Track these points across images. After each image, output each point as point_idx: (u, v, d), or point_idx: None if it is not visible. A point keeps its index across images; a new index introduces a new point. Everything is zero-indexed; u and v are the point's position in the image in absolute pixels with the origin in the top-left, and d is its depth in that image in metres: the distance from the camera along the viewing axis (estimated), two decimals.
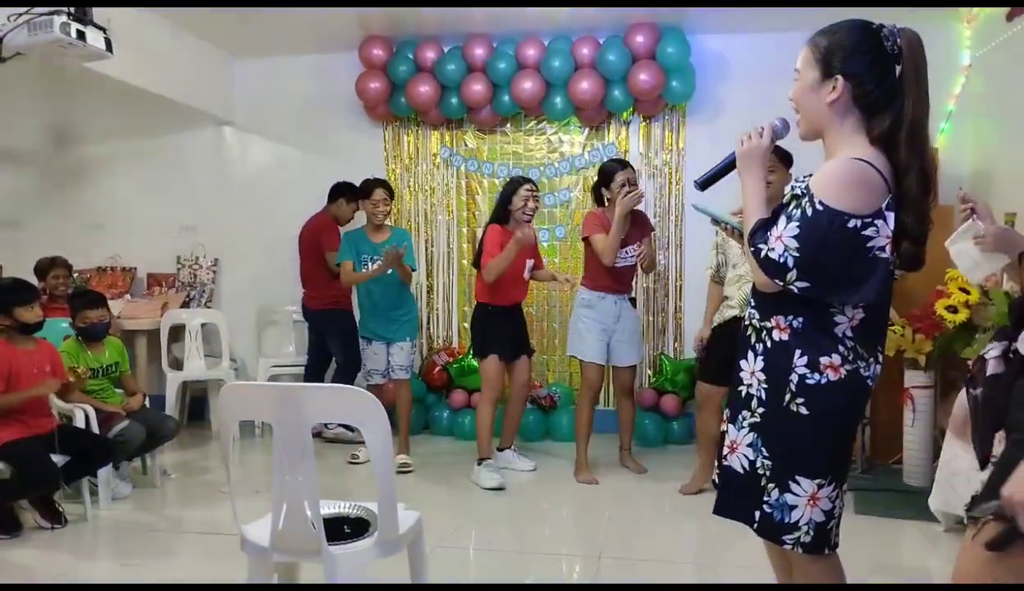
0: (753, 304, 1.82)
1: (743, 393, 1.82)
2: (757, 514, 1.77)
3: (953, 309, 3.77)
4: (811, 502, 1.72)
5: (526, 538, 3.61)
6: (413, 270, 4.67)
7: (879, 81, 1.65)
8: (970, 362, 1.79)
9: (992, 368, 1.61)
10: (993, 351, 1.63)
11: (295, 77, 5.80)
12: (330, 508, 2.28)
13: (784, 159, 3.72)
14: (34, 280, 4.51)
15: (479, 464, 4.23)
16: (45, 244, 5.39)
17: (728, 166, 1.92)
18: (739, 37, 5.22)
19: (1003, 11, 4.27)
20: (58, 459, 3.54)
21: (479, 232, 5.61)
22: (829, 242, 1.59)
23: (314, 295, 5.17)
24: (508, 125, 5.58)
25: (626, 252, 4.22)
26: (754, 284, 1.80)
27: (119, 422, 3.90)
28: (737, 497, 1.83)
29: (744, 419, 1.81)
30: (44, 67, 4.26)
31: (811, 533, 1.73)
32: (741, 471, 1.80)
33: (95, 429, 3.81)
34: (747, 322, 1.84)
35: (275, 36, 5.39)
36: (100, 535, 3.59)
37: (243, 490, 3.90)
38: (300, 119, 5.83)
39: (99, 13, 3.68)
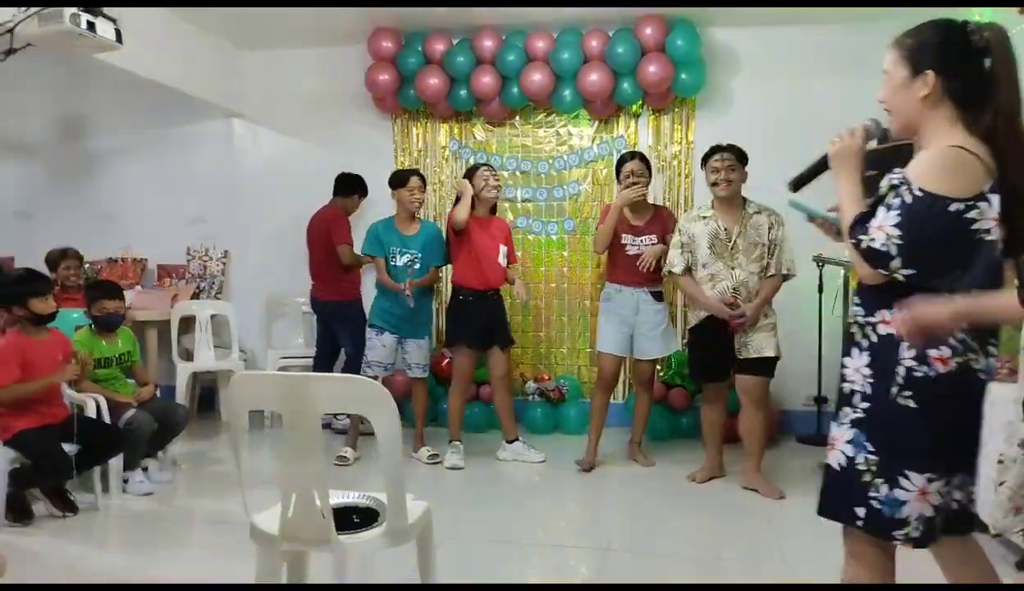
0: (857, 302, 1.82)
1: (846, 390, 1.81)
2: (861, 511, 1.73)
3: None
4: (921, 496, 1.69)
5: (534, 530, 3.61)
6: (443, 266, 4.67)
7: (969, 73, 1.68)
8: None
9: None
10: None
11: (304, 69, 5.81)
12: (339, 498, 2.29)
13: (741, 158, 3.89)
14: (45, 271, 4.54)
15: (448, 444, 4.44)
16: (56, 235, 5.43)
17: (819, 166, 1.95)
18: (749, 31, 5.20)
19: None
20: (70, 448, 3.56)
21: None
22: (931, 227, 1.60)
23: (323, 287, 5.17)
24: (517, 118, 5.57)
25: (637, 241, 4.24)
26: (857, 281, 1.82)
27: (128, 411, 3.93)
28: (834, 495, 1.80)
29: (845, 416, 1.79)
30: (55, 59, 4.27)
31: (920, 528, 1.70)
32: (838, 468, 1.78)
33: (106, 419, 3.84)
34: (851, 320, 1.84)
35: (284, 28, 5.39)
36: (111, 524, 3.62)
37: (253, 480, 3.92)
38: (309, 111, 5.84)
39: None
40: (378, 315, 4.54)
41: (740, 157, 3.89)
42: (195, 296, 5.85)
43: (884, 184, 1.73)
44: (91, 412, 3.81)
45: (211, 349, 5.51)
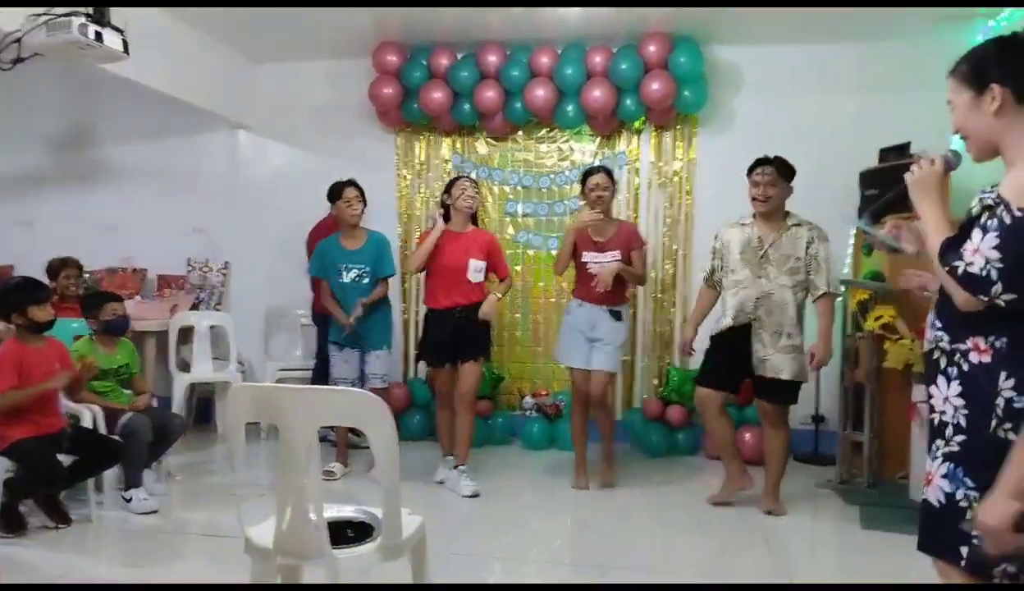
0: (940, 326, 1.73)
1: (935, 422, 1.73)
2: (964, 550, 1.63)
3: None
4: None
5: (529, 547, 3.59)
6: (390, 276, 4.54)
7: None
8: None
9: None
10: None
11: (309, 82, 5.84)
12: (334, 511, 2.27)
13: (784, 171, 3.83)
14: (45, 280, 4.54)
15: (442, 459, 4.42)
16: (57, 244, 5.42)
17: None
18: (752, 48, 5.22)
19: None
20: (65, 459, 3.55)
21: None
22: None
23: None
24: (520, 133, 5.59)
25: (599, 259, 4.20)
26: (938, 304, 1.75)
27: (124, 415, 3.91)
28: (937, 533, 1.71)
29: (938, 449, 1.71)
30: (62, 68, 4.29)
31: (1020, 564, 1.61)
32: (937, 504, 1.69)
33: (102, 430, 3.82)
34: (933, 345, 1.75)
35: (291, 40, 5.42)
36: (104, 536, 3.59)
37: (249, 493, 3.90)
38: (313, 124, 5.86)
39: (117, 14, 3.71)
40: (337, 331, 4.44)
41: (783, 170, 3.82)
42: (194, 307, 5.85)
43: (975, 205, 1.66)
44: (87, 422, 3.79)
45: (209, 360, 5.50)
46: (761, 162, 3.87)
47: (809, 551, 3.64)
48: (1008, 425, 1.59)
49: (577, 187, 5.43)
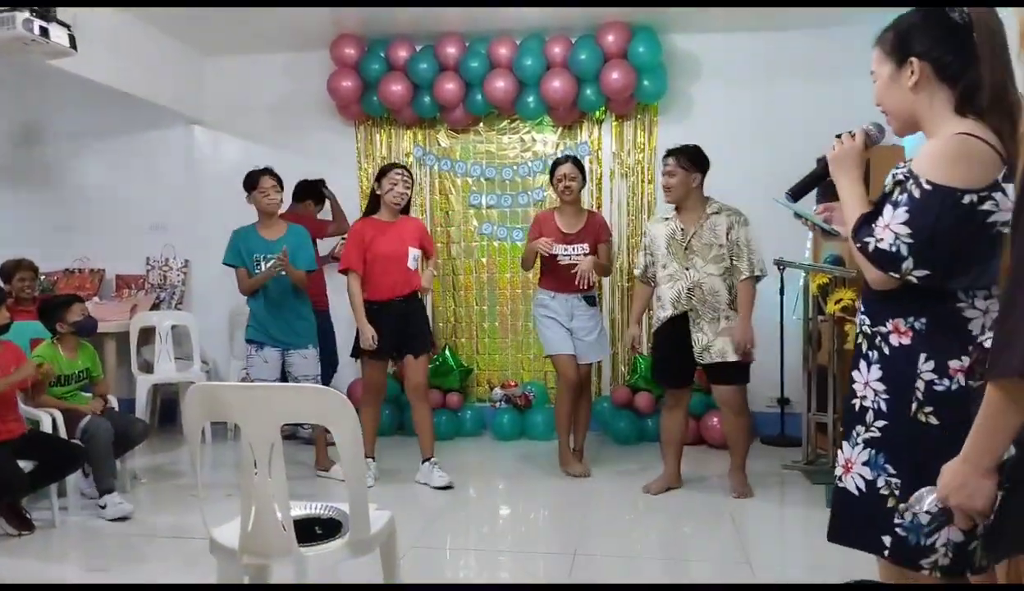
0: (863, 310, 1.69)
1: (856, 406, 1.67)
2: (887, 540, 1.58)
3: None
4: None
5: (500, 537, 3.61)
6: (310, 272, 4.28)
7: (956, 51, 1.55)
8: None
9: None
10: None
11: (266, 75, 5.75)
12: (301, 509, 2.26)
13: (693, 159, 3.83)
14: None
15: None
16: (10, 245, 5.29)
17: (817, 173, 1.88)
18: (710, 36, 5.26)
19: None
20: (25, 465, 3.47)
21: (453, 231, 5.62)
22: (944, 222, 1.48)
23: None
24: (481, 124, 5.58)
25: (569, 251, 4.23)
26: (864, 288, 1.69)
27: (83, 419, 3.84)
28: (857, 522, 1.66)
29: (858, 435, 1.65)
30: (10, 65, 4.18)
31: (950, 555, 1.53)
32: (856, 492, 1.64)
33: (63, 434, 3.74)
34: (858, 330, 1.72)
35: (246, 34, 5.34)
36: (68, 541, 3.53)
37: (215, 494, 3.86)
38: (271, 118, 5.78)
39: (64, 11, 3.62)
40: (255, 329, 4.19)
41: (692, 158, 3.83)
42: (155, 307, 5.74)
43: (888, 180, 1.63)
44: (47, 427, 3.71)
45: (172, 361, 5.41)
46: (667, 153, 3.90)
47: (777, 532, 3.70)
48: (929, 409, 1.55)
49: (541, 178, 5.48)
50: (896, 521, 1.57)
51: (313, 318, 4.35)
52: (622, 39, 5.06)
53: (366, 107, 5.50)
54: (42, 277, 5.39)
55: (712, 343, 3.80)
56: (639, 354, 4.24)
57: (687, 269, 3.83)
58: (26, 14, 3.37)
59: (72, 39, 3.62)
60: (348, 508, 2.09)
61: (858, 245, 1.59)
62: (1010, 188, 1.47)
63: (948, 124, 1.55)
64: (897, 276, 1.54)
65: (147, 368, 5.40)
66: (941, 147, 1.52)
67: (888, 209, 1.55)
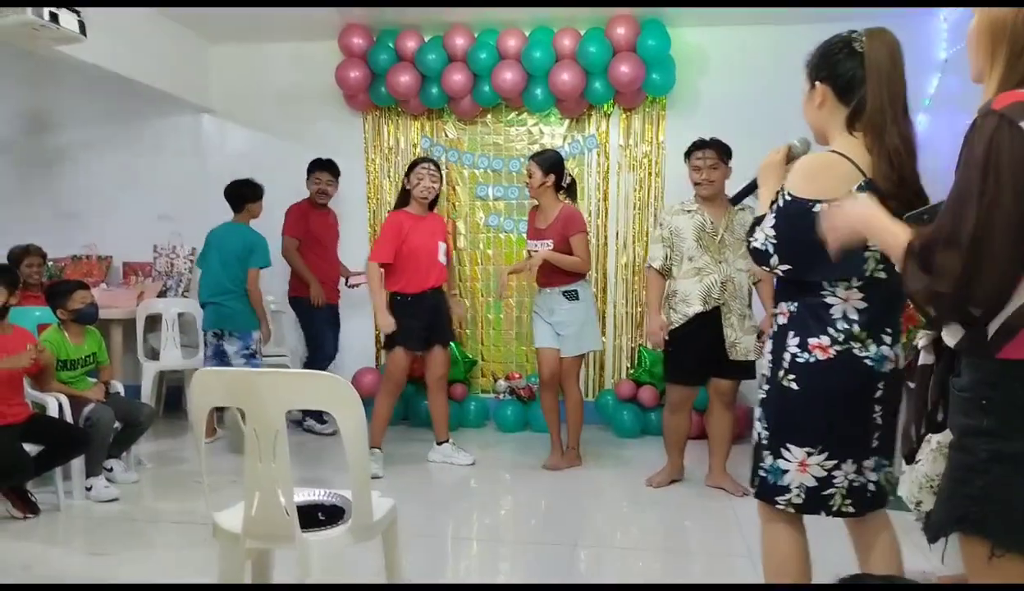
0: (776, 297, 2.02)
1: (763, 376, 2.02)
2: (756, 480, 1.99)
3: None
4: (801, 468, 1.90)
5: (502, 527, 3.62)
6: (264, 267, 4.74)
7: (850, 78, 1.83)
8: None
9: (922, 358, 1.59)
10: (922, 340, 1.59)
11: (275, 64, 5.75)
12: (304, 495, 2.27)
13: (724, 153, 3.87)
14: None
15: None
16: (19, 232, 5.32)
17: (753, 183, 2.11)
18: (719, 30, 5.24)
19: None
20: (31, 448, 3.49)
21: (459, 223, 5.63)
22: (798, 227, 1.80)
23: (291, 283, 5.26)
24: (489, 116, 5.57)
25: (537, 245, 4.24)
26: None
27: (87, 405, 3.86)
28: (753, 466, 2.02)
29: (759, 396, 2.01)
30: (19, 52, 4.19)
31: (802, 496, 1.90)
32: (753, 443, 2.02)
33: (68, 418, 3.77)
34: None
35: (255, 23, 5.33)
36: (73, 525, 3.56)
37: (220, 480, 3.87)
38: (279, 107, 5.79)
39: None
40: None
41: (723, 153, 3.82)
42: (162, 294, 5.76)
43: (777, 193, 1.92)
44: (53, 411, 3.74)
45: (178, 348, 5.43)
46: (699, 145, 3.85)
47: None
48: (792, 376, 1.89)
49: None
50: (761, 464, 1.97)
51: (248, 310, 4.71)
52: (631, 32, 5.04)
53: (374, 97, 5.50)
54: (50, 263, 5.42)
55: (741, 340, 3.78)
56: (664, 347, 4.04)
57: (720, 262, 3.78)
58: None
59: (82, 25, 3.62)
60: (351, 494, 2.11)
61: (746, 243, 1.98)
62: (863, 196, 1.67)
63: (837, 139, 1.87)
64: (768, 270, 1.92)
65: (153, 355, 5.42)
66: (807, 164, 1.87)
67: (768, 215, 1.89)
